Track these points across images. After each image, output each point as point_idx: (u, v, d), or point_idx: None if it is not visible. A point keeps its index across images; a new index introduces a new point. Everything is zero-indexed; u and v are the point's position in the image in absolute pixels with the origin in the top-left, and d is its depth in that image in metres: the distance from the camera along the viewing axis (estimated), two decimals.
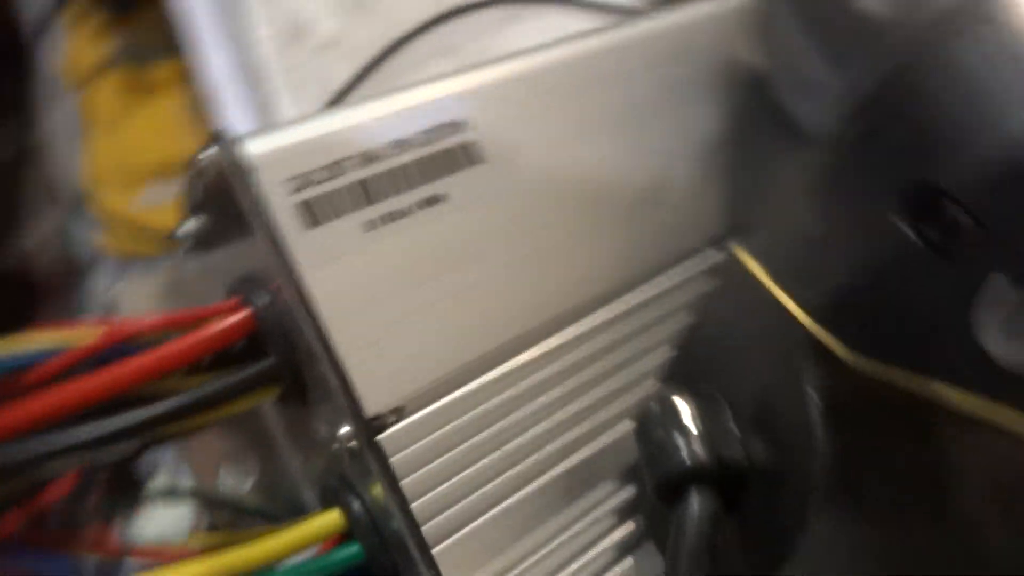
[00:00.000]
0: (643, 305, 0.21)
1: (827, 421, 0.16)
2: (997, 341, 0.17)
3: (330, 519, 0.18)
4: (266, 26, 0.32)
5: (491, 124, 0.20)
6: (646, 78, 0.23)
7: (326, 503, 0.19)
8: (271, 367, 0.19)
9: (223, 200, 0.19)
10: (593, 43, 0.23)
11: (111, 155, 0.61)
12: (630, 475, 0.20)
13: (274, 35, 0.32)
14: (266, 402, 0.20)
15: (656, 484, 0.17)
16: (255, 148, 0.17)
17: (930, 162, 0.15)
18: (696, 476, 0.17)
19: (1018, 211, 0.14)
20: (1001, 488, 0.18)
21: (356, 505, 0.19)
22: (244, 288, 0.19)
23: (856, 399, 0.16)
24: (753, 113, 0.24)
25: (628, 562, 0.20)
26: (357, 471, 0.18)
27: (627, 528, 0.20)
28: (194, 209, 0.22)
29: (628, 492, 0.20)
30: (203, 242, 0.22)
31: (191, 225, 0.22)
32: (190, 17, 0.35)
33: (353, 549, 0.18)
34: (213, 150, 0.18)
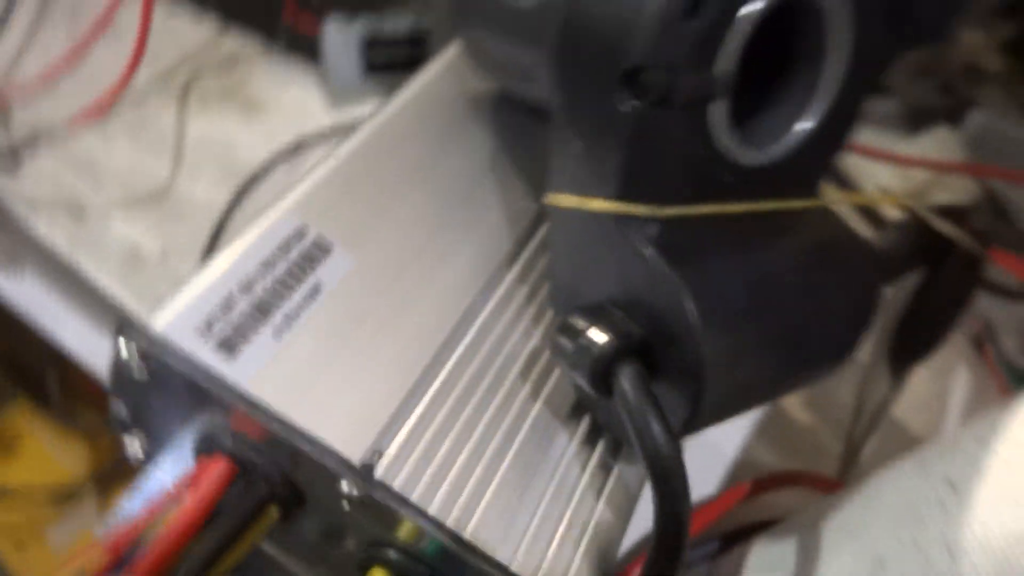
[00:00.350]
0: (519, 281, 0.26)
1: (672, 265, 0.21)
2: (741, 152, 0.22)
3: None
4: (102, 273, 0.35)
5: (324, 218, 0.24)
6: (421, 133, 0.28)
7: (364, 570, 0.22)
8: (264, 489, 0.21)
9: (149, 390, 0.22)
10: (367, 129, 0.28)
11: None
12: (579, 409, 0.24)
13: (112, 274, 0.35)
14: (272, 524, 0.22)
15: (590, 382, 0.21)
16: (160, 321, 0.20)
17: (616, 53, 0.20)
18: (611, 356, 0.20)
19: (674, 52, 0.19)
20: (814, 249, 0.24)
21: (391, 553, 0.21)
22: (206, 443, 0.22)
23: (682, 238, 0.21)
24: (510, 114, 0.30)
25: (616, 471, 0.23)
26: (372, 519, 0.21)
27: (602, 446, 0.23)
28: (126, 429, 0.24)
29: (586, 422, 0.24)
30: (150, 453, 0.25)
31: (135, 445, 0.25)
32: (32, 313, 0.37)
33: None
34: (123, 342, 0.20)
